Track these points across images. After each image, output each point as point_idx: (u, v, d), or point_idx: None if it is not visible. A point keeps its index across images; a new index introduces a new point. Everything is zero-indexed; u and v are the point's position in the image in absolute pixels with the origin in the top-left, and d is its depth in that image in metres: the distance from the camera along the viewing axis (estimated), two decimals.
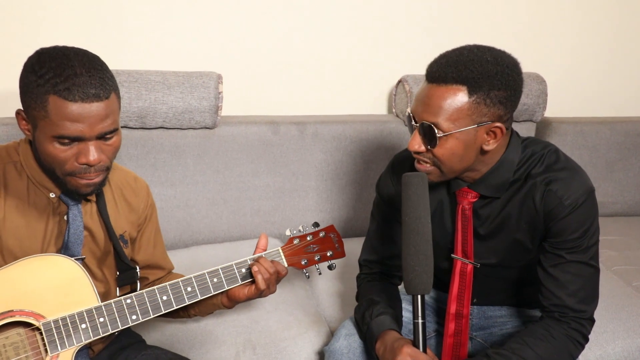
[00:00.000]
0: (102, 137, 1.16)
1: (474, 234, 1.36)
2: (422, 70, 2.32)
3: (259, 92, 2.27)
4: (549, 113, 2.47)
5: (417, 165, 1.30)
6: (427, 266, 1.20)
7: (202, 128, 2.06)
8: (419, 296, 1.22)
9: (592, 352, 1.66)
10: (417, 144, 1.26)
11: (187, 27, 2.13)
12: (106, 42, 2.04)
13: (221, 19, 2.15)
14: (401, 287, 1.57)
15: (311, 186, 2.20)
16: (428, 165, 1.28)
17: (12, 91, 2.03)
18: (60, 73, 1.10)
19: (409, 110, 1.28)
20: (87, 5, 2.01)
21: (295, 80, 2.30)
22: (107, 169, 1.21)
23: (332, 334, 1.61)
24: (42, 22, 1.98)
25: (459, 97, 1.19)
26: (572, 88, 2.61)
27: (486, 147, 1.26)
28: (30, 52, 2.10)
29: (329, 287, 1.89)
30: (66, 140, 1.13)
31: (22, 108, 1.17)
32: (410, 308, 1.52)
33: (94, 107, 1.12)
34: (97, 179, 1.20)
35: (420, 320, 1.22)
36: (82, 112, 1.11)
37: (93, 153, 1.15)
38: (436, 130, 1.21)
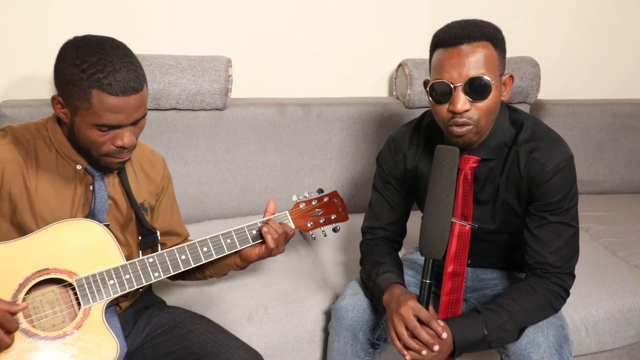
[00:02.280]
0: (135, 123, 1.29)
1: (472, 199, 1.47)
2: (421, 55, 2.43)
3: (266, 75, 2.35)
4: (542, 95, 2.56)
5: (455, 129, 1.34)
6: (444, 234, 1.27)
7: (213, 109, 2.15)
8: (430, 259, 1.29)
9: (577, 313, 1.78)
10: (463, 102, 1.30)
11: (198, 13, 2.21)
12: (122, 28, 2.14)
13: (231, 6, 2.24)
14: (401, 254, 1.69)
15: (316, 164, 2.29)
16: (468, 125, 1.33)
17: (29, 76, 2.14)
18: (102, 69, 1.21)
19: (437, 79, 1.32)
20: None
21: (301, 64, 2.38)
22: (134, 147, 1.34)
23: (337, 297, 1.73)
24: (58, 9, 2.07)
25: (489, 50, 1.31)
26: (564, 71, 2.69)
27: (503, 98, 1.38)
28: (48, 37, 2.19)
29: (333, 257, 2.01)
30: (105, 128, 1.25)
31: (58, 94, 1.27)
32: (411, 272, 1.65)
33: (132, 99, 1.24)
34: (127, 157, 1.34)
35: (427, 281, 1.30)
36: (123, 104, 1.23)
37: (128, 137, 1.28)
38: (488, 79, 1.29)
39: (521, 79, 2.41)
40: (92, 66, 1.21)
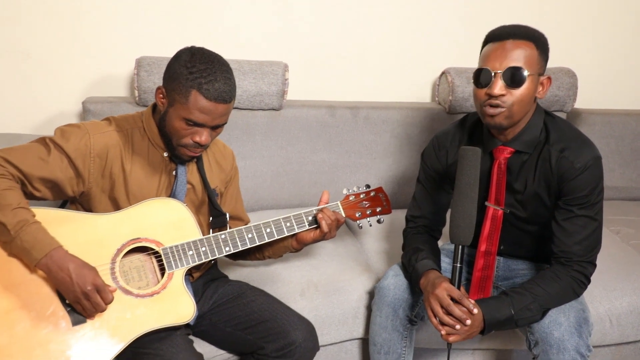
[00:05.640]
0: (215, 127, 1.50)
1: (505, 187, 1.63)
2: (462, 64, 2.62)
3: (319, 80, 2.54)
4: (578, 104, 2.66)
5: (489, 110, 1.51)
6: (470, 223, 1.47)
7: (269, 109, 2.34)
8: (460, 246, 1.49)
9: (602, 305, 1.90)
10: (500, 87, 1.48)
11: (260, 23, 2.43)
12: (195, 34, 2.37)
13: (289, 18, 2.45)
14: (440, 244, 1.85)
15: (361, 163, 2.45)
16: (501, 108, 1.50)
17: (105, 75, 2.36)
18: (206, 76, 1.43)
19: (481, 66, 1.51)
20: (179, 6, 2.35)
21: (351, 70, 2.57)
22: (207, 146, 1.55)
23: (379, 280, 1.89)
24: (138, 15, 2.32)
25: (531, 49, 1.50)
26: (600, 82, 2.78)
27: (539, 96, 1.55)
28: (127, 41, 2.43)
29: (377, 246, 2.18)
30: (191, 123, 1.47)
31: (163, 86, 1.50)
32: (447, 260, 1.82)
33: (220, 107, 1.46)
34: (199, 153, 1.55)
35: (458, 265, 1.50)
36: (212, 108, 1.45)
37: (206, 136, 1.49)
38: (525, 71, 1.47)
39: (559, 89, 2.53)
40: (199, 72, 1.43)
